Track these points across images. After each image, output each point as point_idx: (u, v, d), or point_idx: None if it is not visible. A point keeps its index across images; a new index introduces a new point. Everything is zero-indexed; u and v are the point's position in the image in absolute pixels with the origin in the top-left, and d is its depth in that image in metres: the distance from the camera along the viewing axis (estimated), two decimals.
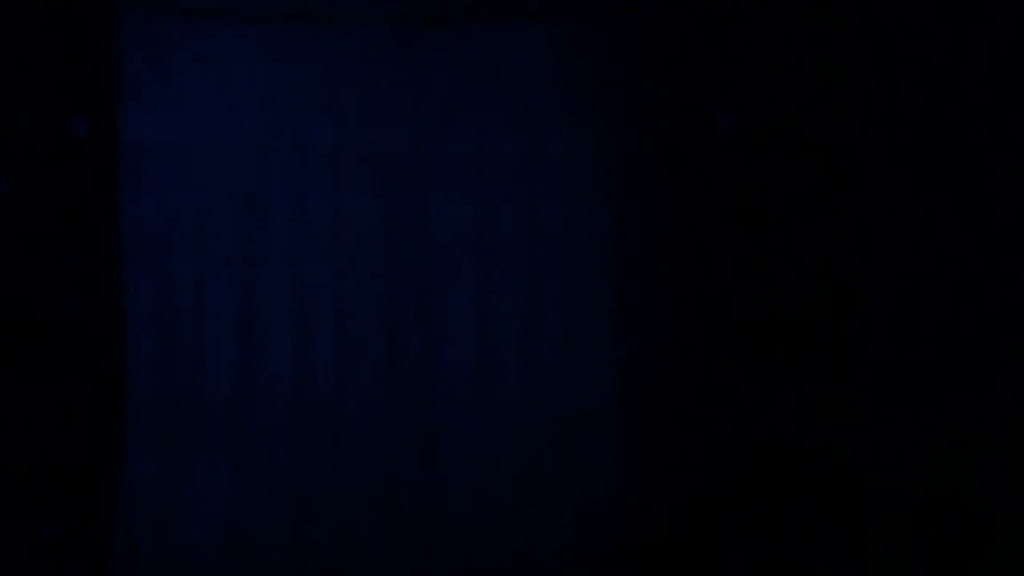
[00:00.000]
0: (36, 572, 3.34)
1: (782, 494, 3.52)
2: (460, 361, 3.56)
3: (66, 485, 3.36)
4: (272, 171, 3.53)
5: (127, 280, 3.45)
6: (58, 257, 3.38)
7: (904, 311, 3.51)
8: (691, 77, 3.59)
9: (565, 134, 3.61)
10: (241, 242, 3.51)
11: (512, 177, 3.60)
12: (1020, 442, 3.45)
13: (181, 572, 3.44)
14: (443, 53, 3.58)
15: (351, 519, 3.50)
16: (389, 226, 3.56)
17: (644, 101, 3.61)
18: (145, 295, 3.46)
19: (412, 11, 3.56)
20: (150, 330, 3.46)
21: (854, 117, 3.56)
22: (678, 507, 3.55)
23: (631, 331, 3.59)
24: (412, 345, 3.55)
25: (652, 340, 3.58)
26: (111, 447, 3.41)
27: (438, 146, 3.58)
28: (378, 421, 3.53)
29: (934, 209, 3.52)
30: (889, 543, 3.49)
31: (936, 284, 3.50)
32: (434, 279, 3.56)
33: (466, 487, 3.54)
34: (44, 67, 3.39)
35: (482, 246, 3.58)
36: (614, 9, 3.62)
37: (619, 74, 3.61)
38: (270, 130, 3.53)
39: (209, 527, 3.45)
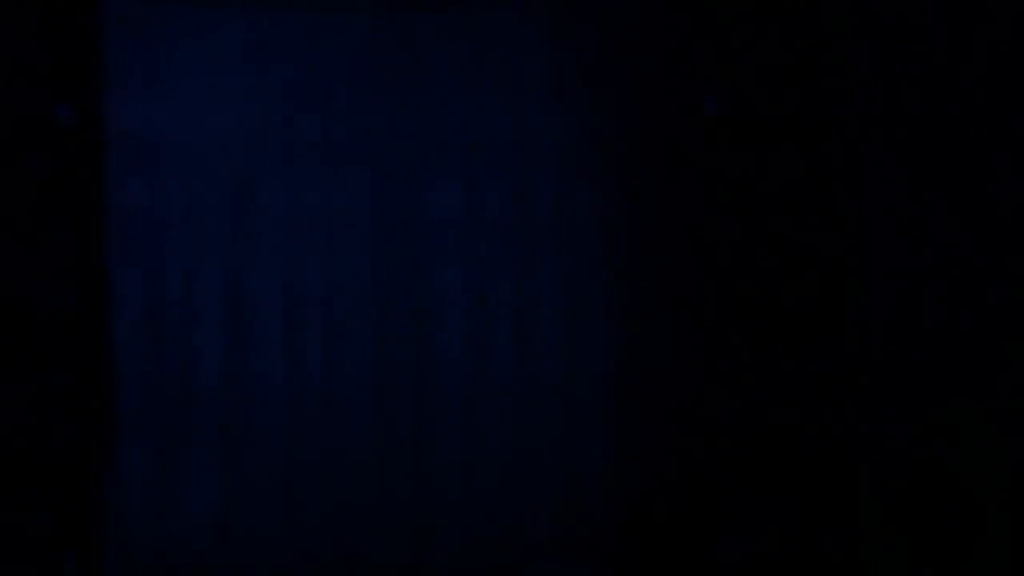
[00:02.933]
0: (29, 561, 3.31)
1: (775, 481, 3.50)
2: (452, 348, 3.54)
3: (57, 475, 3.33)
4: (262, 158, 3.51)
5: (115, 269, 3.43)
6: (45, 246, 3.35)
7: (899, 301, 3.51)
8: (685, 65, 3.59)
9: (557, 120, 3.60)
10: (231, 230, 3.49)
11: (504, 163, 3.59)
12: (1009, 431, 3.44)
13: (173, 560, 3.42)
14: (434, 39, 3.57)
15: (342, 507, 3.49)
16: (380, 213, 3.55)
17: (637, 88, 3.60)
18: (133, 284, 3.44)
19: None
20: (139, 320, 3.44)
21: (852, 109, 3.56)
22: (671, 494, 3.54)
23: (624, 318, 3.57)
24: (403, 333, 3.53)
25: (645, 327, 3.57)
26: (101, 437, 3.39)
27: (430, 133, 3.57)
28: (369, 409, 3.51)
29: (931, 200, 3.52)
30: (880, 530, 3.47)
31: (931, 273, 3.50)
32: (426, 266, 3.55)
33: (458, 475, 3.52)
34: (28, 53, 3.37)
35: (474, 233, 3.57)
36: None
37: (610, 59, 3.61)
38: (260, 116, 3.52)
39: (200, 516, 3.43)
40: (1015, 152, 3.50)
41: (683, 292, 3.57)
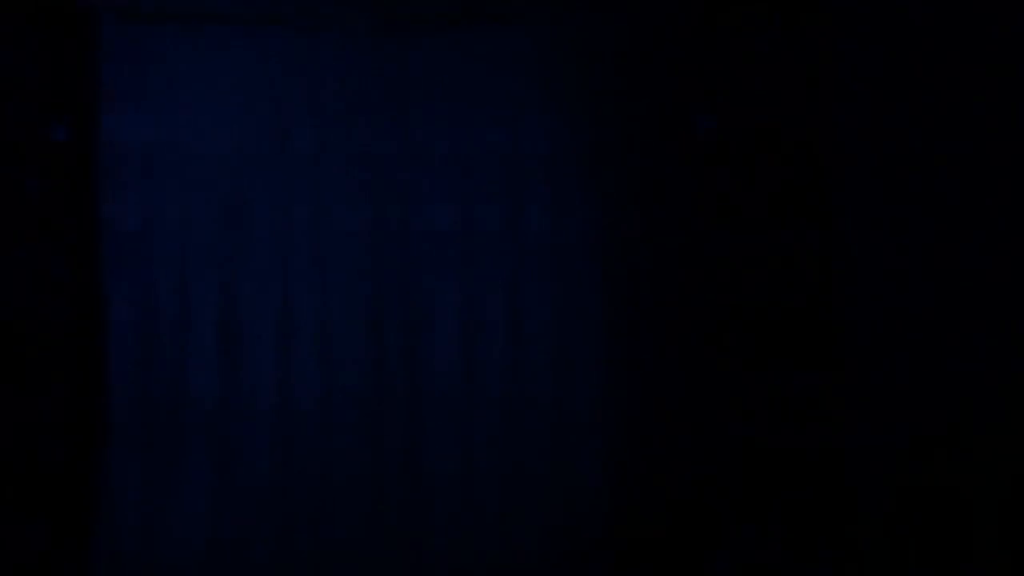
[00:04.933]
0: None
1: (767, 495, 3.50)
2: (444, 364, 3.54)
3: (49, 492, 3.33)
4: (255, 175, 3.52)
5: (108, 286, 3.43)
6: (39, 263, 3.36)
7: (888, 313, 3.51)
8: (674, 79, 3.59)
9: (548, 135, 3.60)
10: (223, 247, 3.49)
11: (495, 179, 3.59)
12: (1001, 441, 3.44)
13: None
14: (425, 55, 3.57)
15: (336, 524, 3.48)
16: (372, 229, 3.55)
17: (627, 102, 3.60)
18: (127, 301, 3.44)
19: (394, 14, 3.56)
20: (132, 336, 3.44)
21: (836, 120, 3.57)
22: (663, 508, 3.53)
23: (615, 332, 3.57)
24: (396, 349, 3.53)
25: (636, 341, 3.57)
26: (94, 453, 3.39)
27: (421, 148, 3.57)
28: (362, 425, 3.51)
29: (918, 217, 3.52)
30: (873, 543, 3.47)
31: (920, 287, 3.50)
32: (418, 282, 3.55)
33: (451, 490, 3.52)
34: (22, 73, 3.38)
35: (466, 248, 3.57)
36: (595, 11, 3.62)
37: (601, 75, 3.61)
38: (252, 134, 3.52)
39: (192, 533, 3.42)
40: (992, 153, 3.52)
41: (675, 308, 3.58)
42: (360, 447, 3.50)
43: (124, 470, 3.41)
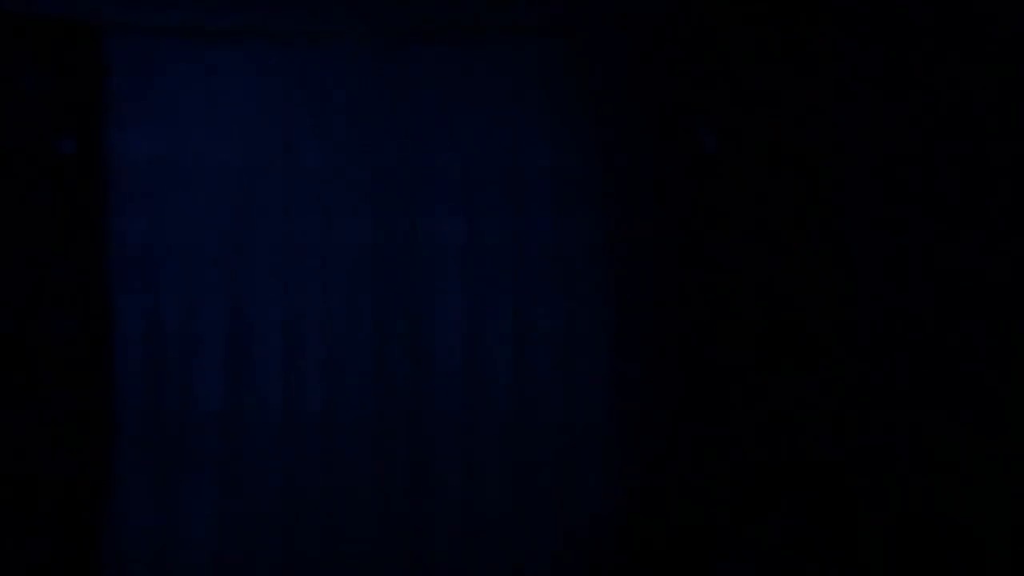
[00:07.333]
0: None
1: (770, 500, 3.51)
2: (450, 378, 3.53)
3: (55, 503, 3.35)
4: (260, 187, 3.52)
5: (115, 299, 3.45)
6: (47, 276, 3.38)
7: (888, 313, 3.52)
8: (674, 81, 3.59)
9: (553, 149, 3.59)
10: (230, 258, 3.50)
11: (501, 192, 3.58)
12: (1006, 450, 3.45)
13: None
14: (430, 69, 3.57)
15: (342, 537, 3.49)
16: (378, 243, 3.55)
17: (629, 109, 3.60)
18: (133, 314, 3.45)
19: (398, 28, 3.56)
20: (139, 349, 3.44)
21: (836, 120, 3.56)
22: (667, 515, 3.54)
23: (621, 346, 3.57)
24: (402, 363, 3.53)
25: (641, 349, 3.56)
26: (101, 466, 3.41)
27: (426, 162, 3.57)
28: (368, 439, 3.51)
29: (916, 211, 3.52)
30: (876, 547, 3.49)
31: (919, 284, 3.50)
32: (423, 296, 3.54)
33: (457, 504, 3.51)
34: (30, 87, 3.39)
35: (471, 262, 3.57)
36: (600, 25, 3.62)
37: (606, 89, 3.61)
38: (258, 148, 3.52)
39: (199, 545, 3.43)
40: (1002, 166, 3.51)
41: (677, 312, 3.58)
42: (365, 460, 3.49)
43: (131, 484, 3.43)
